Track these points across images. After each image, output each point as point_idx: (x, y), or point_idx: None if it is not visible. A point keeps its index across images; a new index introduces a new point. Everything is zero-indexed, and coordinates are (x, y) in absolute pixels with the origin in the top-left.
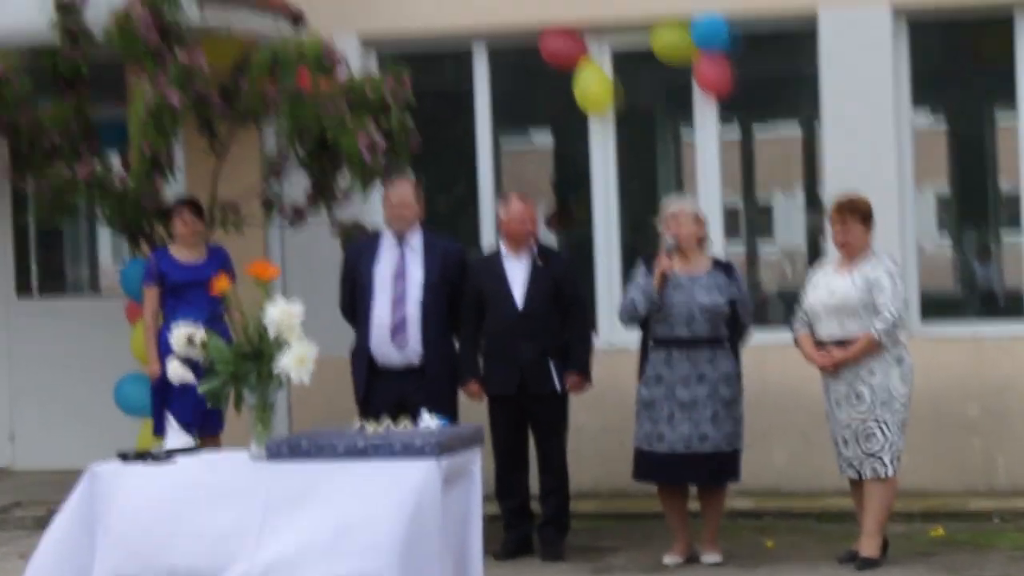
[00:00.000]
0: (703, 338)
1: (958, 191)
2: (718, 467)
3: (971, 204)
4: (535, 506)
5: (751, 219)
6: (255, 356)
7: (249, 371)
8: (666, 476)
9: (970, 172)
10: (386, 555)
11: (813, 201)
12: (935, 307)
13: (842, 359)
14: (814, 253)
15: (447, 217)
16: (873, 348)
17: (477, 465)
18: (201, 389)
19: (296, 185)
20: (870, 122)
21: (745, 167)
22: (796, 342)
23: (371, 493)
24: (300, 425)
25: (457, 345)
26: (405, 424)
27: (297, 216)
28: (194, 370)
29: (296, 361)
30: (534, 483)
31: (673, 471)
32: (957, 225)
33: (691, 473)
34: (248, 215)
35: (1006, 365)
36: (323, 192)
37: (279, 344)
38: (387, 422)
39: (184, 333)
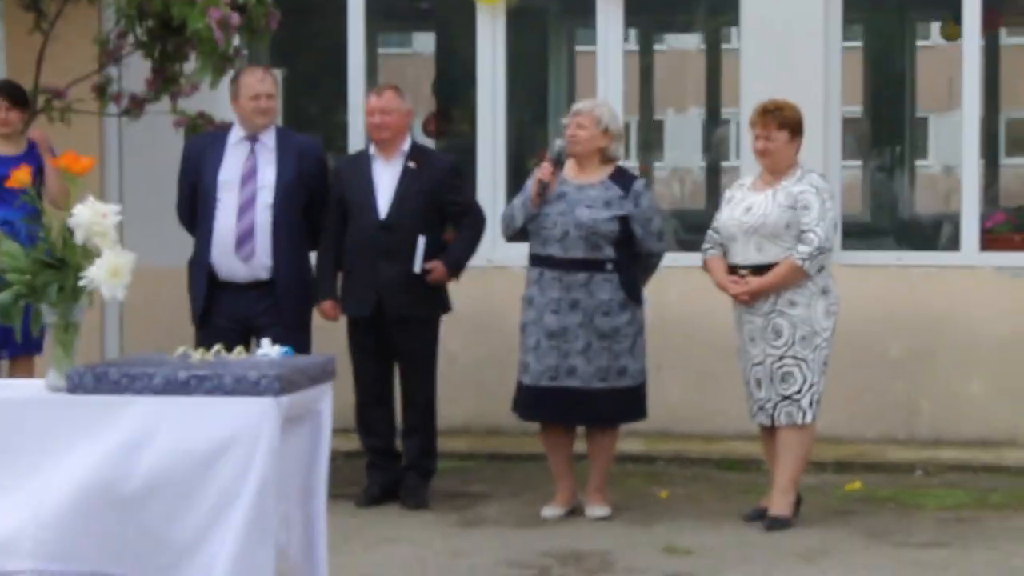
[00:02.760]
0: (578, 260)
1: (872, 113)
2: (592, 406)
3: (885, 128)
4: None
5: (644, 136)
6: (57, 265)
7: (49, 283)
8: (527, 411)
9: (885, 94)
10: (209, 511)
11: (714, 119)
12: (855, 235)
13: (758, 287)
14: (712, 174)
15: (312, 120)
16: (795, 276)
17: (326, 404)
18: None
19: (137, 71)
20: (797, 33)
21: (644, 79)
22: (704, 266)
23: (193, 436)
24: (132, 348)
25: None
26: (240, 352)
27: (134, 105)
28: None
29: (108, 273)
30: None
31: (536, 406)
32: (872, 150)
33: (557, 410)
34: (79, 104)
35: (935, 299)
36: (165, 79)
37: (87, 252)
38: (218, 349)
39: None
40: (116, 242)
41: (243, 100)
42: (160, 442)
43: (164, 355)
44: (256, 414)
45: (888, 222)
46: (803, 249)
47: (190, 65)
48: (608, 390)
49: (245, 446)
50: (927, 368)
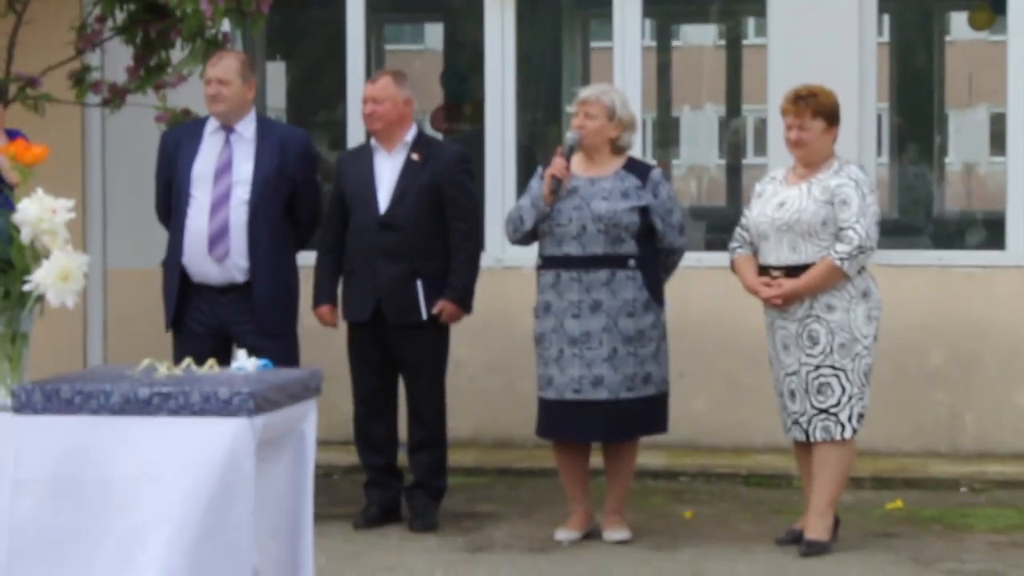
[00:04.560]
0: (598, 256)
1: (899, 109)
2: (619, 419)
3: (912, 124)
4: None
5: (662, 130)
6: (2, 267)
7: None
8: (557, 430)
9: (914, 89)
10: (179, 550)
11: (734, 113)
12: (888, 233)
13: (792, 290)
14: (733, 173)
15: (312, 114)
16: (833, 277)
17: (310, 425)
18: None
19: (120, 59)
20: (830, 22)
21: (661, 74)
22: (732, 266)
23: (156, 462)
24: (117, 357)
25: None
26: (212, 366)
27: (115, 95)
28: None
29: (56, 276)
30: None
31: (564, 423)
32: (902, 145)
33: (585, 427)
34: (55, 93)
35: (978, 302)
36: (148, 68)
37: (36, 253)
38: (188, 362)
39: None
40: (67, 242)
41: (205, 88)
42: (116, 471)
43: (126, 369)
44: (227, 437)
45: (921, 220)
46: (842, 248)
47: (176, 53)
48: (635, 400)
49: (215, 474)
50: (970, 377)
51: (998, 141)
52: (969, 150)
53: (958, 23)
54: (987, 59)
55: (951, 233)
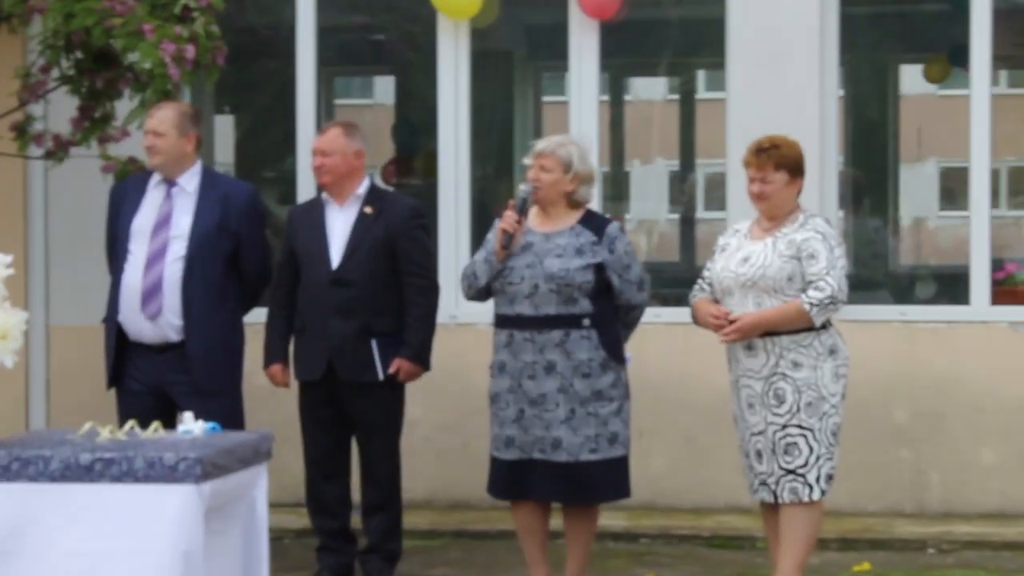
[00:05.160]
0: (551, 316)
1: (857, 160)
2: (581, 482)
3: (867, 178)
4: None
5: (615, 185)
6: None
7: None
8: (516, 491)
9: (869, 142)
10: None
11: (687, 167)
12: (854, 287)
13: (752, 323)
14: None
15: (261, 166)
16: (798, 321)
17: (261, 490)
18: None
19: (65, 109)
20: (790, 74)
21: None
22: (692, 309)
23: (98, 533)
24: (60, 414)
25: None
26: (157, 429)
27: (58, 147)
28: None
29: None
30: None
31: (524, 485)
32: (858, 199)
33: (548, 488)
34: None
35: (942, 358)
36: (93, 120)
37: None
38: (132, 425)
39: None
40: (5, 299)
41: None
42: (56, 542)
43: (67, 432)
44: (174, 506)
45: (881, 274)
46: (814, 294)
47: (123, 104)
48: (598, 462)
49: (161, 545)
50: (935, 434)
51: (947, 195)
52: (919, 204)
53: (907, 76)
54: (937, 113)
55: (909, 288)
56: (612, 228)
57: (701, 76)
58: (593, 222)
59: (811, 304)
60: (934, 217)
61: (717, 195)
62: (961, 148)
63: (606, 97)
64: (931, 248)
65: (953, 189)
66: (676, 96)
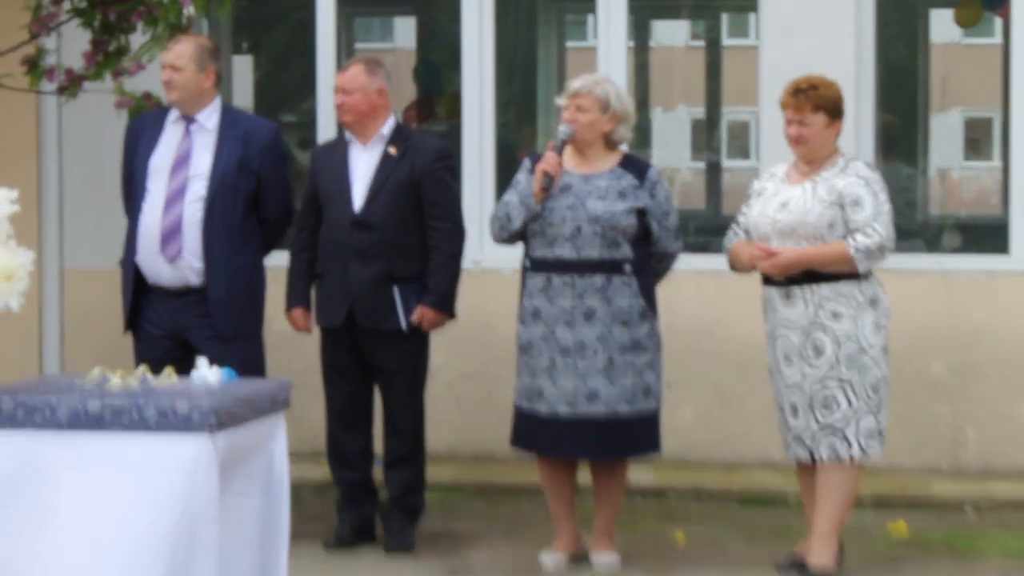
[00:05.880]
0: (593, 260)
1: (886, 107)
2: (615, 436)
3: (898, 126)
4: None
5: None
6: None
7: None
8: (549, 447)
9: (900, 89)
10: None
11: (713, 115)
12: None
13: (794, 259)
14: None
15: (280, 106)
16: (841, 264)
17: (279, 442)
18: None
19: (78, 43)
20: (825, 18)
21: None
22: (730, 256)
23: (107, 486)
24: (75, 361)
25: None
26: (170, 375)
27: (71, 82)
28: None
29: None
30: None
31: (557, 441)
32: (890, 146)
33: (579, 443)
34: (7, 79)
35: (979, 310)
36: (107, 54)
37: None
38: (143, 371)
39: None
40: (10, 237)
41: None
42: (64, 494)
43: (76, 378)
44: (187, 457)
45: (916, 224)
46: (863, 240)
47: (137, 37)
48: (632, 415)
49: (173, 498)
50: (972, 389)
51: (972, 145)
52: (945, 154)
53: (934, 25)
54: (962, 63)
55: (942, 237)
56: (653, 172)
57: (725, 21)
58: (634, 165)
59: (857, 249)
60: (958, 167)
61: (739, 143)
62: (986, 98)
63: (631, 43)
64: (957, 199)
65: (977, 139)
66: (700, 42)
